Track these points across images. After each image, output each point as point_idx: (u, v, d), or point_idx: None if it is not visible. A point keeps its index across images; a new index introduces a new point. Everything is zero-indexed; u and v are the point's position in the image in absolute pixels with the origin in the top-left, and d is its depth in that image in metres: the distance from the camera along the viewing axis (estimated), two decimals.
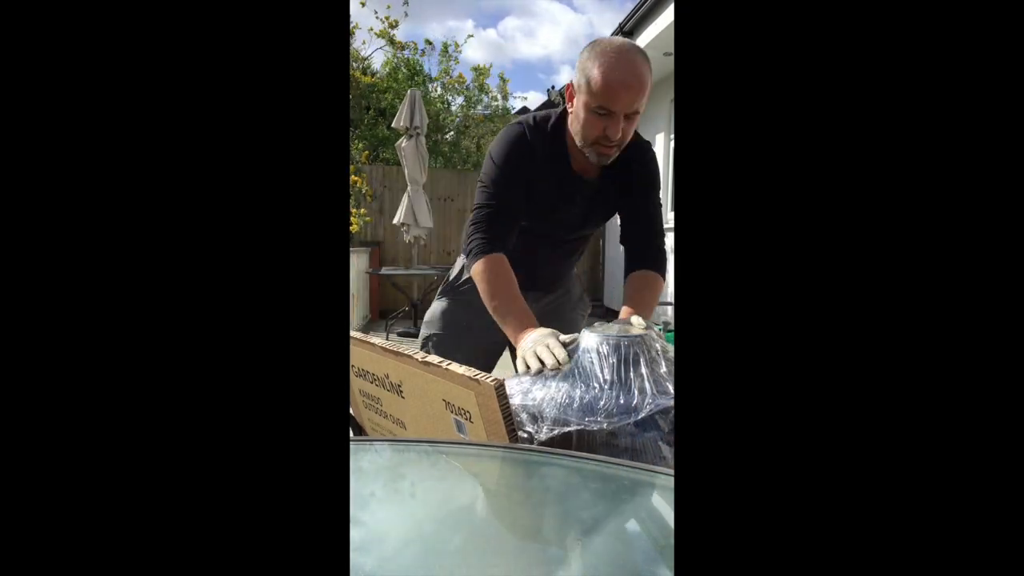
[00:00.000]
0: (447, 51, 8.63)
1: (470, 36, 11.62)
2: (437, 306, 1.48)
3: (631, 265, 1.35)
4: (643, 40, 4.94)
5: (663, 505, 0.57)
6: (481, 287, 1.21)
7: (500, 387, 0.74)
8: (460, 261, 1.50)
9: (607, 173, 1.33)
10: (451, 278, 1.51)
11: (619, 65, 1.15)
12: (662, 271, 1.34)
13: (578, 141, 1.25)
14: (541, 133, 1.30)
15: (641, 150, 1.36)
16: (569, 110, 1.26)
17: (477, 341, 1.39)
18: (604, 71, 1.15)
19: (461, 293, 1.45)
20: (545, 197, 1.33)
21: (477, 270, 1.23)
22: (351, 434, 1.11)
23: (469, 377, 0.77)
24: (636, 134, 1.32)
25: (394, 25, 8.36)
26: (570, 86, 1.24)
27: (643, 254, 1.35)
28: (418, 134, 5.89)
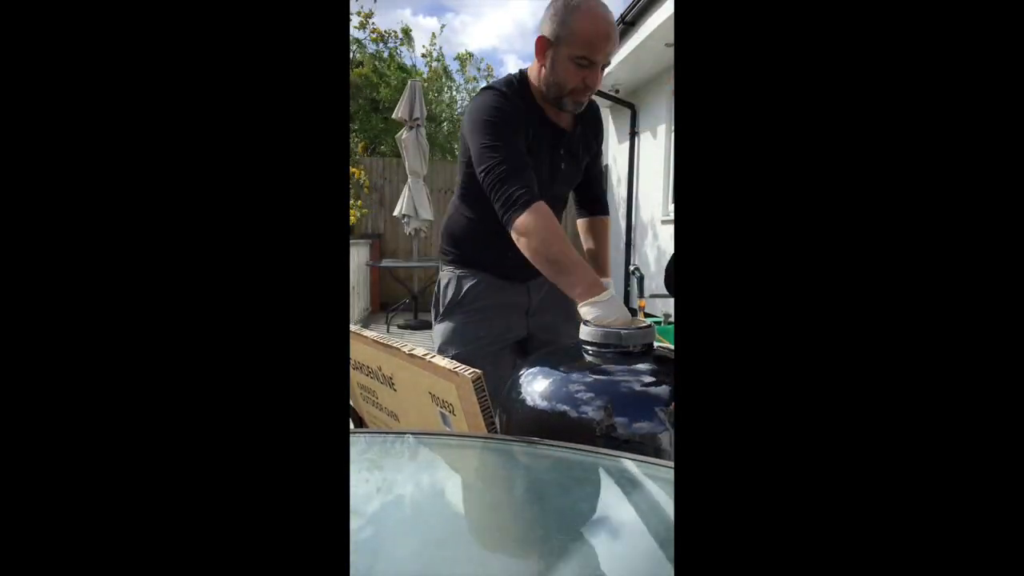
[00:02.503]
0: (408, 33, 8.50)
1: (443, 26, 11.61)
2: (447, 326, 1.37)
3: (586, 211, 1.55)
4: (645, 31, 4.93)
5: (663, 497, 0.57)
6: (532, 242, 1.06)
7: (477, 379, 0.73)
8: (450, 275, 1.41)
9: (580, 122, 1.39)
10: (450, 295, 1.39)
11: (600, 17, 1.20)
12: (607, 212, 1.57)
13: (551, 92, 1.27)
14: (514, 94, 1.29)
15: (593, 105, 1.43)
16: (539, 63, 1.27)
17: (500, 352, 1.38)
18: (588, 23, 1.19)
19: (475, 310, 1.37)
20: (540, 160, 1.29)
21: (526, 223, 1.07)
22: (352, 426, 1.11)
23: (450, 370, 0.76)
24: None
25: (369, 16, 8.31)
26: (541, 39, 1.24)
27: (594, 203, 1.54)
28: (418, 125, 5.89)
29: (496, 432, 0.76)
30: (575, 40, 1.19)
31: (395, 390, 0.94)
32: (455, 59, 9.06)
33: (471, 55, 8.79)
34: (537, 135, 1.29)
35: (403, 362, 0.87)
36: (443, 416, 0.83)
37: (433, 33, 8.51)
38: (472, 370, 0.75)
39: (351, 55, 8.35)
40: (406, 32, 8.72)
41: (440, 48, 8.72)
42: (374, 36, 8.34)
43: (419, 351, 0.84)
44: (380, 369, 0.96)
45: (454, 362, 0.78)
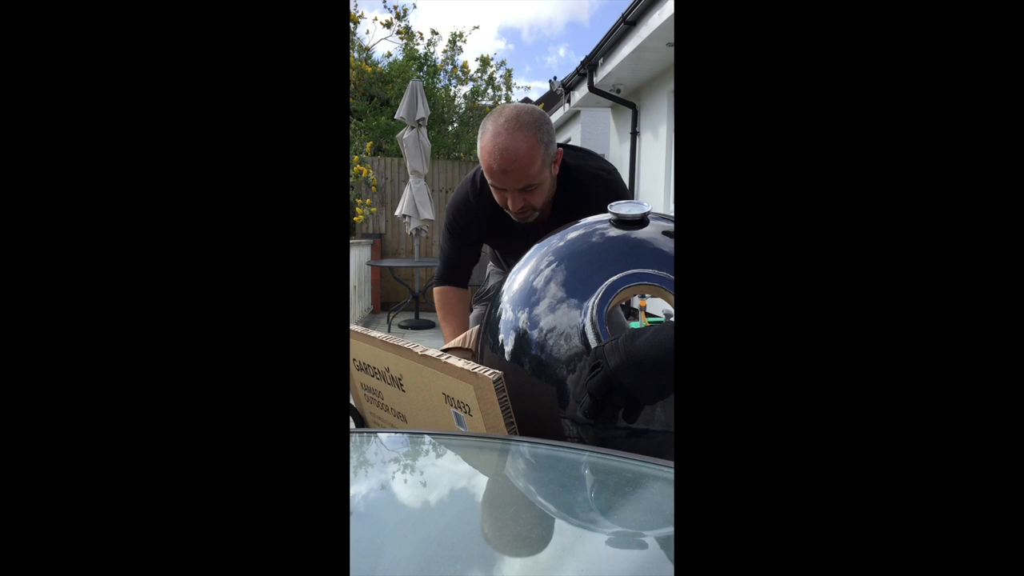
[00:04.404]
0: (455, 41, 8.55)
1: (476, 27, 11.51)
2: (476, 312, 1.69)
3: None
4: (647, 30, 4.92)
5: (663, 497, 0.57)
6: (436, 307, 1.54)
7: (499, 380, 0.73)
8: (488, 270, 1.76)
9: (560, 209, 1.32)
10: (483, 288, 1.73)
11: (496, 150, 1.16)
12: None
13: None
14: (484, 190, 1.35)
15: (601, 181, 1.34)
16: None
17: None
18: (484, 156, 1.19)
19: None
20: (502, 235, 1.43)
21: (435, 296, 1.54)
22: (353, 425, 1.11)
23: (468, 371, 0.76)
24: (596, 164, 1.36)
25: (401, 16, 8.31)
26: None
27: None
28: (420, 125, 5.88)
29: (517, 433, 0.76)
30: (482, 165, 1.21)
31: (404, 391, 0.94)
32: (477, 59, 9.00)
33: (490, 59, 8.76)
34: (496, 224, 1.38)
35: (414, 363, 0.87)
36: (457, 416, 0.83)
37: (461, 33, 8.46)
38: (492, 371, 0.74)
39: (369, 52, 8.37)
40: (435, 32, 8.88)
41: (461, 48, 8.70)
42: (400, 35, 8.34)
43: (432, 352, 0.84)
44: (388, 370, 0.96)
45: (472, 363, 0.78)
